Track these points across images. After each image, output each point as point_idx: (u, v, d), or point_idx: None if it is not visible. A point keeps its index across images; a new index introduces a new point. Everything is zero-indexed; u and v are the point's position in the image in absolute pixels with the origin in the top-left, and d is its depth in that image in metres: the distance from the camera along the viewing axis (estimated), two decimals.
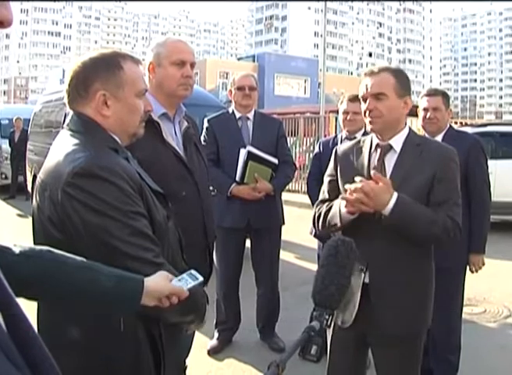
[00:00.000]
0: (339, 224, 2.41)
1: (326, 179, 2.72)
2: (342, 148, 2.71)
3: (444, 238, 2.40)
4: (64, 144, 1.72)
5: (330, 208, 2.53)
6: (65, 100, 1.83)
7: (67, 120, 1.82)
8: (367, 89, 2.44)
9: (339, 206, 2.42)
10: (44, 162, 1.74)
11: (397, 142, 2.49)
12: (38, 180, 1.72)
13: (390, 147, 2.49)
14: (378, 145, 2.52)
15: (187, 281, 1.64)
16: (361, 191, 2.27)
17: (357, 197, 2.27)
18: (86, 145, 1.69)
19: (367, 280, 2.40)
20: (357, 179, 2.33)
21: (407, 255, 2.41)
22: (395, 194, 2.29)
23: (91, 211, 1.57)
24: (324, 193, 2.71)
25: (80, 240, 1.60)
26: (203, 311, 1.87)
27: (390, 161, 2.48)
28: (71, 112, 1.83)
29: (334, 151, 2.73)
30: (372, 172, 2.33)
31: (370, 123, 2.45)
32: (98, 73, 1.75)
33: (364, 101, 2.47)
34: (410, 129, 2.56)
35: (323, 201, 2.67)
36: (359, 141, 2.65)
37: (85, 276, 1.49)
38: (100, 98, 1.74)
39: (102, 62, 1.78)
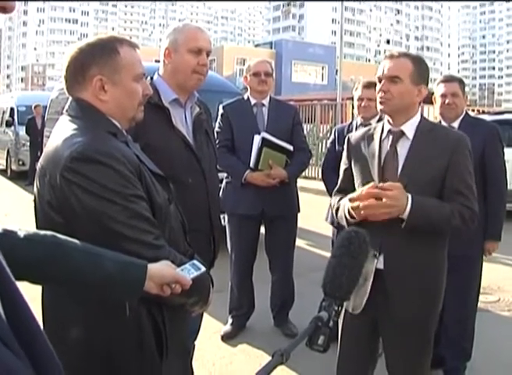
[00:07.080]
0: (346, 226, 2.44)
1: (342, 167, 2.73)
2: (354, 136, 2.72)
3: (463, 228, 2.43)
4: (63, 130, 1.73)
5: (339, 207, 2.57)
6: (64, 86, 1.84)
7: (66, 106, 1.83)
8: (383, 71, 2.46)
9: (343, 211, 2.47)
10: (45, 148, 1.75)
11: (409, 128, 2.48)
12: (38, 165, 1.74)
13: (402, 133, 2.48)
14: (390, 131, 2.52)
15: (190, 271, 1.65)
16: (387, 195, 2.29)
17: (385, 202, 2.29)
18: (84, 130, 1.69)
19: (379, 266, 2.41)
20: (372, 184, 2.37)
21: (421, 241, 2.40)
22: (409, 196, 2.31)
23: (90, 195, 1.58)
24: (340, 182, 2.72)
25: (79, 223, 1.61)
26: (207, 292, 1.89)
27: (403, 148, 2.47)
28: (70, 98, 1.83)
29: (347, 139, 2.73)
30: (380, 185, 2.34)
31: (380, 103, 2.47)
32: (95, 58, 1.76)
33: (379, 82, 2.49)
34: (422, 116, 2.56)
35: (339, 191, 2.70)
36: (370, 129, 2.65)
37: (89, 261, 1.50)
38: (97, 83, 1.75)
39: (99, 47, 1.78)
